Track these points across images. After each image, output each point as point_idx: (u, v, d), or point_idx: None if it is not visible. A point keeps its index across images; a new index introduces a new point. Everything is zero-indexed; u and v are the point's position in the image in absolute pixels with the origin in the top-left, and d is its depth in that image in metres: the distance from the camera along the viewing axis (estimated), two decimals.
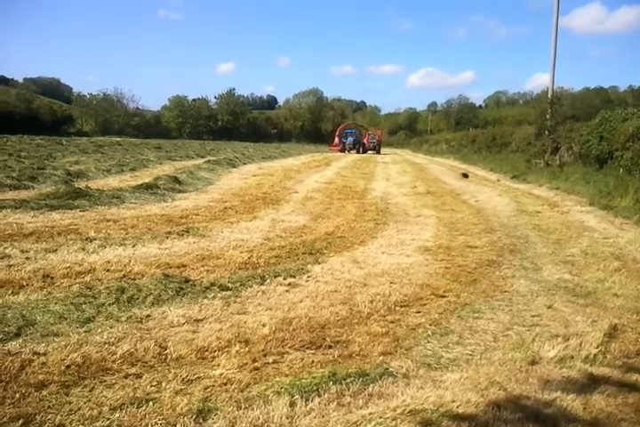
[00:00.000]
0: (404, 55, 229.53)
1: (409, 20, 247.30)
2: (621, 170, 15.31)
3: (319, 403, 3.07)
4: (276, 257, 6.55)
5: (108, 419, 2.81)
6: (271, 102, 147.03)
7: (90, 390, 3.10)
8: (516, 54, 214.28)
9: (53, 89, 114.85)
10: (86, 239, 6.72)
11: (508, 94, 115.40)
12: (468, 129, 67.10)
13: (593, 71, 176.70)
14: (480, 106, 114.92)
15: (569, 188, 15.10)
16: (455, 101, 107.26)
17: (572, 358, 3.89)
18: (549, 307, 5.08)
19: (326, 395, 3.16)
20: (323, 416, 2.93)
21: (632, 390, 3.42)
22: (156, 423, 2.78)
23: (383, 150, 54.66)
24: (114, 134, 70.28)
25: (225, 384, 3.26)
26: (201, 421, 2.84)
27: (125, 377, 3.29)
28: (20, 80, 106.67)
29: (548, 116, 24.77)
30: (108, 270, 5.47)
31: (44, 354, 3.49)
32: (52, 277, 5.13)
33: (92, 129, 79.97)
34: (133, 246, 6.57)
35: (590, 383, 3.50)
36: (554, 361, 3.83)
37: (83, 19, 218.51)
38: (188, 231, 7.58)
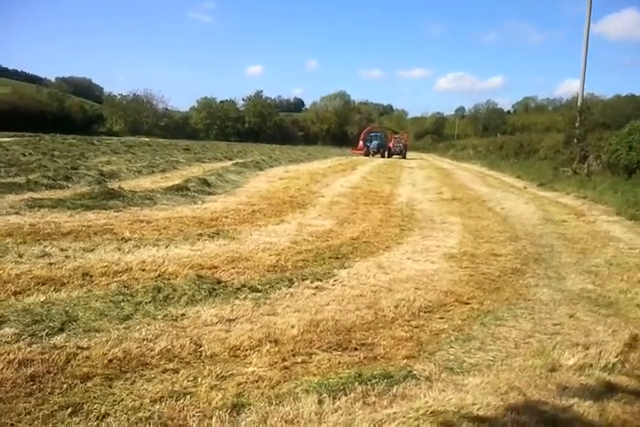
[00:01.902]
0: (434, 59, 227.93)
1: (440, 24, 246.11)
2: None
3: (346, 402, 3.23)
4: (304, 260, 6.74)
5: (149, 410, 3.01)
6: (298, 105, 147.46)
7: (131, 383, 3.31)
8: (547, 60, 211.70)
9: (85, 89, 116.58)
10: (122, 239, 6.99)
11: (537, 100, 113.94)
12: (495, 135, 66.71)
13: (626, 78, 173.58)
14: (508, 111, 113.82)
15: (596, 197, 15.05)
16: (483, 106, 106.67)
17: (591, 366, 4.00)
18: (571, 316, 5.18)
19: (352, 394, 3.32)
20: (349, 414, 3.10)
21: None
22: (194, 416, 2.98)
23: (409, 155, 52.75)
24: (142, 134, 71.41)
25: (257, 381, 3.44)
26: (235, 415, 3.02)
27: (164, 372, 3.50)
28: (53, 80, 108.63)
29: (577, 124, 24.60)
30: (143, 270, 5.71)
31: (87, 348, 3.72)
32: (91, 276, 5.38)
33: (121, 129, 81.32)
34: (166, 247, 6.81)
35: (608, 391, 3.61)
36: (573, 369, 3.95)
37: (115, 20, 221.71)
38: (218, 233, 7.82)
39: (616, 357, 4.18)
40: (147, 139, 53.99)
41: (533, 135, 39.76)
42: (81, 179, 12.77)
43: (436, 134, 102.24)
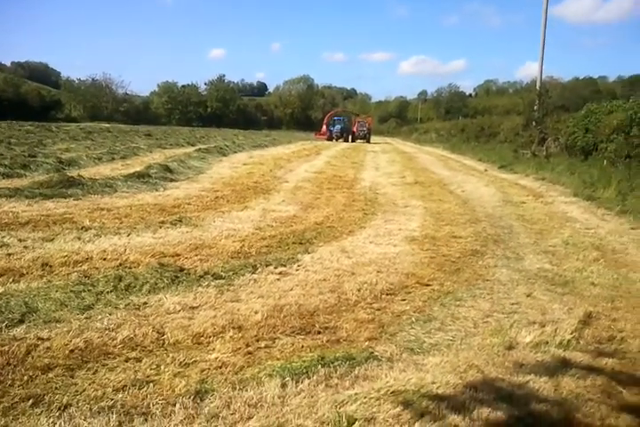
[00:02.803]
0: (397, 43, 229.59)
1: (403, 6, 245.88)
2: (605, 162, 15.65)
3: (309, 384, 3.29)
4: (267, 246, 6.75)
5: (112, 399, 3.01)
6: (261, 89, 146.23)
7: (93, 373, 3.30)
8: (508, 43, 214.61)
9: (41, 74, 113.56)
10: (82, 228, 6.89)
11: (499, 83, 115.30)
12: (457, 118, 67.30)
13: (584, 61, 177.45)
14: (470, 95, 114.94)
15: (554, 178, 15.41)
16: (445, 90, 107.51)
17: (547, 343, 4.14)
18: (528, 295, 5.34)
19: (315, 377, 3.38)
20: (312, 396, 3.15)
21: (600, 373, 3.67)
22: (157, 403, 2.99)
23: (373, 139, 51.56)
24: (103, 120, 69.73)
25: (220, 367, 3.47)
26: (199, 401, 3.05)
27: (126, 361, 3.50)
28: (8, 64, 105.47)
29: (535, 107, 25.04)
30: (104, 259, 5.65)
31: (48, 339, 3.68)
32: (51, 266, 5.30)
33: (80, 115, 79.18)
34: (128, 235, 6.74)
35: (562, 367, 3.75)
36: (529, 346, 4.08)
37: (71, 3, 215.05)
38: (180, 221, 7.76)
39: (571, 334, 4.34)
40: (107, 125, 52.77)
41: (494, 118, 40.33)
42: (39, 167, 12.45)
43: (399, 118, 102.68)
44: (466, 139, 38.19)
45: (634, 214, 9.72)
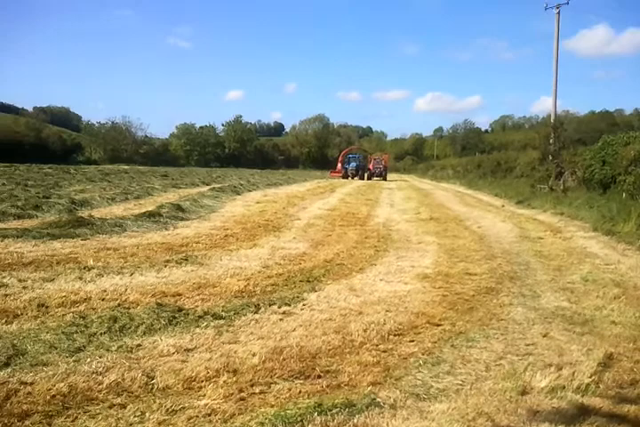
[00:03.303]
0: (411, 80, 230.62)
1: (414, 44, 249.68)
2: (624, 194, 15.32)
3: None
4: (273, 285, 6.56)
5: None
6: (278, 129, 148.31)
7: (72, 420, 3.10)
8: (522, 78, 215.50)
9: (63, 118, 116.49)
10: (84, 268, 6.76)
11: (514, 118, 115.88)
12: (474, 154, 67.33)
13: (599, 94, 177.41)
14: (486, 130, 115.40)
15: (573, 213, 15.10)
16: (461, 126, 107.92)
17: (564, 388, 3.85)
18: (545, 335, 5.04)
19: (310, 426, 3.13)
20: None
21: (622, 422, 3.38)
22: None
23: (389, 176, 51.35)
24: (122, 162, 71.03)
25: (209, 415, 3.24)
26: None
27: (110, 407, 3.29)
28: (30, 109, 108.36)
29: (551, 141, 24.88)
30: (103, 299, 5.49)
31: (31, 384, 3.50)
32: (47, 307, 5.15)
33: (100, 157, 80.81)
34: (131, 275, 6.60)
35: (580, 414, 3.46)
36: (545, 391, 3.79)
37: (93, 47, 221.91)
38: (186, 259, 7.61)
39: (590, 377, 4.04)
40: (126, 166, 53.73)
41: (510, 153, 40.27)
42: (51, 208, 12.48)
43: (415, 155, 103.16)
44: (482, 174, 38.03)
45: None
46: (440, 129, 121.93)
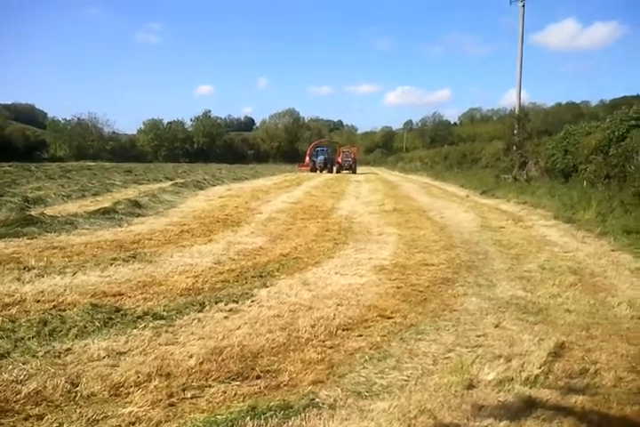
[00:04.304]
0: (382, 74, 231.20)
1: (386, 39, 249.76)
2: (585, 183, 15.42)
3: None
4: (223, 282, 6.33)
5: None
6: (249, 124, 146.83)
7: None
8: (491, 72, 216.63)
9: (28, 115, 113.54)
10: (24, 269, 6.42)
11: (482, 111, 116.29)
12: (442, 146, 67.63)
13: (567, 87, 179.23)
14: (455, 123, 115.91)
15: (535, 202, 15.18)
16: (430, 119, 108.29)
17: (512, 380, 3.73)
18: (497, 326, 4.93)
19: None
20: None
21: (569, 414, 3.26)
22: None
23: (359, 169, 50.39)
24: (89, 159, 69.56)
25: (133, 424, 3.03)
26: None
27: (26, 419, 3.05)
28: None
29: (515, 132, 25.01)
30: (38, 301, 5.19)
31: None
32: None
33: (66, 154, 78.96)
34: (73, 275, 6.29)
35: (527, 408, 3.34)
36: (492, 384, 3.67)
37: (60, 43, 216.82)
38: (134, 257, 7.32)
39: (539, 368, 3.94)
40: (92, 163, 52.66)
41: (475, 144, 40.43)
42: (2, 206, 11.96)
43: (385, 148, 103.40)
44: (449, 166, 38.16)
45: (614, 235, 9.40)
46: (410, 122, 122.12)
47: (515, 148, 24.41)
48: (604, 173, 14.58)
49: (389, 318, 5.12)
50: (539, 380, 3.75)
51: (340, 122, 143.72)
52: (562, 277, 6.81)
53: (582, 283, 6.53)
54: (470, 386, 3.63)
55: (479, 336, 4.65)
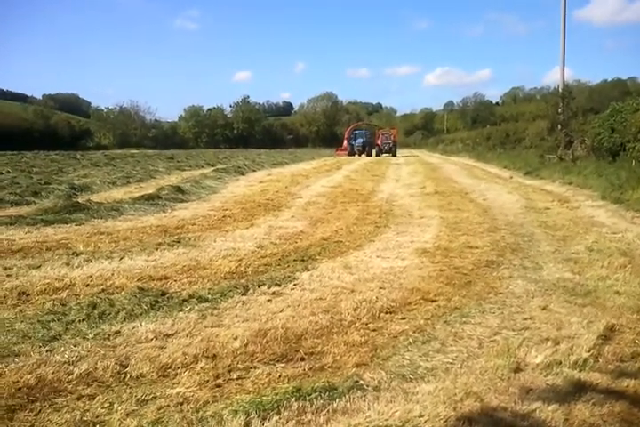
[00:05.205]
0: (421, 55, 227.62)
1: (424, 19, 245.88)
2: (634, 162, 14.92)
3: (276, 422, 2.88)
4: (266, 265, 6.37)
5: None
6: (287, 108, 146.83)
7: (36, 415, 2.94)
8: (533, 50, 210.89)
9: (72, 104, 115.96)
10: (73, 254, 6.60)
11: (525, 90, 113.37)
12: (484, 127, 66.34)
13: (613, 63, 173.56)
14: (497, 103, 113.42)
15: (581, 182, 14.77)
16: (471, 99, 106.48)
17: (560, 363, 3.65)
18: (544, 308, 4.83)
19: (286, 413, 2.96)
20: None
21: (620, 398, 3.17)
22: None
23: (399, 152, 48.60)
24: (132, 147, 71.01)
25: (181, 404, 3.08)
26: None
27: (78, 399, 3.14)
28: (39, 97, 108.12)
29: (559, 110, 24.31)
30: (87, 285, 5.34)
31: None
32: (28, 295, 5.01)
33: (110, 142, 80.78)
34: (120, 259, 6.44)
35: (576, 391, 3.26)
36: (539, 368, 3.60)
37: (100, 33, 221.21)
38: (179, 242, 7.44)
39: (588, 351, 3.84)
40: (135, 151, 53.69)
41: (518, 124, 39.55)
42: (50, 194, 12.33)
43: (425, 130, 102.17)
44: (491, 146, 37.47)
45: None
46: (450, 103, 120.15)
47: (559, 127, 23.76)
48: None
49: (433, 301, 5.07)
50: (588, 363, 3.66)
51: (379, 104, 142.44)
52: (611, 258, 6.61)
53: (632, 264, 6.31)
54: (517, 369, 3.57)
55: (526, 319, 4.57)
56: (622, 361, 3.73)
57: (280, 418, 2.91)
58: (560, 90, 25.17)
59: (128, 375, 3.43)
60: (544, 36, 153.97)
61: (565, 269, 6.19)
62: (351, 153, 46.18)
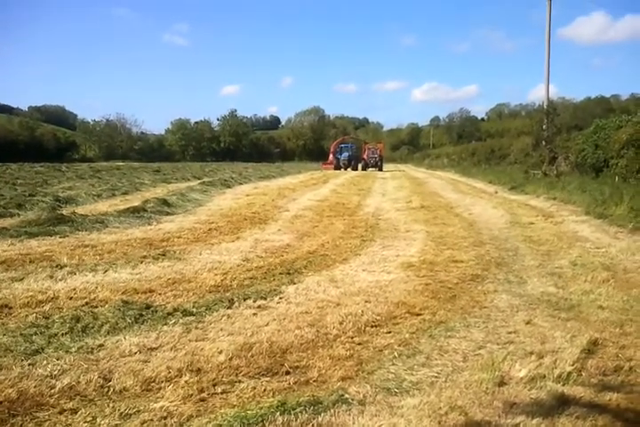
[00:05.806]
0: (408, 71, 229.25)
1: (412, 34, 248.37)
2: (617, 178, 15.15)
3: None
4: (251, 278, 6.36)
5: None
6: (274, 122, 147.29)
7: None
8: (519, 66, 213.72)
9: (58, 116, 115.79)
10: (56, 266, 6.53)
11: (510, 106, 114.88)
12: (470, 142, 66.99)
13: (597, 81, 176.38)
14: (482, 119, 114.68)
15: (565, 197, 14.94)
16: (457, 115, 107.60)
17: (544, 377, 3.67)
18: (528, 322, 4.86)
19: None
20: None
21: (603, 412, 3.19)
22: None
23: (385, 166, 48.61)
24: (118, 159, 70.76)
25: (165, 418, 3.05)
26: None
27: (60, 413, 3.10)
28: (25, 109, 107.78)
29: (544, 127, 24.64)
30: (71, 298, 5.29)
31: None
32: (11, 308, 4.95)
33: (95, 155, 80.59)
34: (104, 272, 6.39)
35: (559, 405, 3.28)
36: (523, 382, 3.61)
37: (88, 46, 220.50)
38: (164, 255, 7.40)
39: (572, 365, 3.87)
40: (121, 163, 53.50)
41: (504, 140, 40.02)
42: (34, 206, 12.22)
43: (411, 145, 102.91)
44: (477, 162, 37.86)
45: None
46: (436, 118, 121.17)
47: (544, 143, 24.07)
48: (635, 167, 14.29)
49: (418, 314, 5.08)
50: (571, 377, 3.68)
51: (366, 119, 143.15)
52: (594, 273, 6.68)
53: (615, 279, 6.39)
54: (501, 383, 3.58)
55: (510, 333, 4.59)
56: (605, 375, 3.75)
57: None
58: (545, 106, 25.54)
59: (111, 389, 3.39)
60: (530, 53, 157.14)
61: (549, 284, 6.24)
62: (337, 167, 46.06)
